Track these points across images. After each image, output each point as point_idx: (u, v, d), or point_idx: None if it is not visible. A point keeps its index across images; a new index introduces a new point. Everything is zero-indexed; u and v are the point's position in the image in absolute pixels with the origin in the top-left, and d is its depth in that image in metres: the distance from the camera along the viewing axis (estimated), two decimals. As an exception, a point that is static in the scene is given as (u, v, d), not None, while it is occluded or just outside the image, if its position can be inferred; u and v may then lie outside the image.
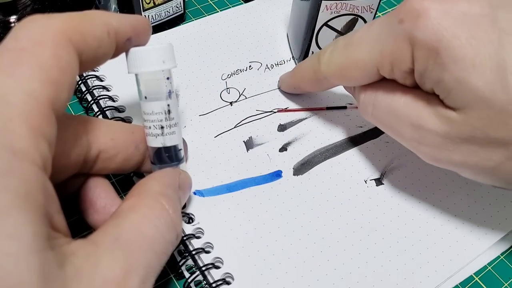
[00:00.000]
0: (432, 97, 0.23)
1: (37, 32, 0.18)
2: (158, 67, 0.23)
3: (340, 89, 0.36)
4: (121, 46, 0.22)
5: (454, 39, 0.20)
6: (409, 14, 0.22)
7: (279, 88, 0.35)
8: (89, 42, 0.19)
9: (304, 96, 0.35)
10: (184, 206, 0.28)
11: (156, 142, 0.24)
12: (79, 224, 0.25)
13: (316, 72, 0.29)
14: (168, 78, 0.24)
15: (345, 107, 0.35)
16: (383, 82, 0.26)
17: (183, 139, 0.27)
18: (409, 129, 0.24)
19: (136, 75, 0.24)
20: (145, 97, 0.24)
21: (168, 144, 0.25)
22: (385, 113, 0.25)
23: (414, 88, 0.24)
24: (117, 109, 0.32)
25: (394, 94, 0.25)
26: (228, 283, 0.25)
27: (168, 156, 0.25)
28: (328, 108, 0.35)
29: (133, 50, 0.23)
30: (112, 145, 0.24)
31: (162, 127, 0.24)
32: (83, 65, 0.19)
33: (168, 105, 0.24)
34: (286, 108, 0.34)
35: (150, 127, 0.24)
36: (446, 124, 0.22)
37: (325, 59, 0.28)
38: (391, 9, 0.46)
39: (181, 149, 0.26)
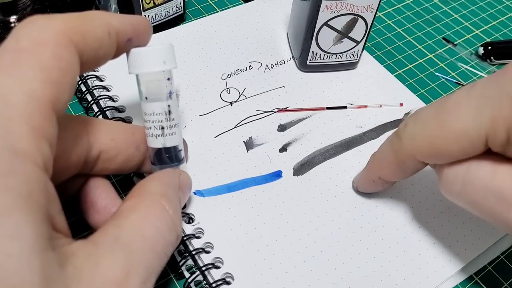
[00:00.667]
0: None
1: (38, 32, 0.18)
2: (159, 67, 0.23)
3: (340, 89, 0.36)
4: (122, 47, 0.22)
5: None
6: None
7: (356, 190, 0.30)
8: (89, 43, 0.19)
9: (304, 96, 0.35)
10: (184, 206, 0.28)
11: (156, 142, 0.24)
12: (80, 224, 0.25)
13: (398, 152, 0.24)
14: (168, 79, 0.24)
15: (345, 107, 0.35)
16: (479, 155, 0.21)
17: (183, 139, 0.27)
18: None
19: (136, 75, 0.24)
20: (146, 98, 0.24)
21: (169, 144, 0.25)
22: (481, 193, 0.20)
23: None
24: (117, 109, 0.32)
25: (496, 171, 0.20)
26: (228, 283, 0.25)
27: (168, 157, 0.25)
28: (328, 108, 0.35)
29: (133, 51, 0.23)
30: (113, 146, 0.24)
31: (162, 128, 0.24)
32: (83, 65, 0.19)
33: (169, 105, 0.24)
34: (286, 108, 0.34)
35: (150, 128, 0.24)
36: None
37: (408, 132, 0.23)
38: (391, 9, 0.46)
39: (181, 150, 0.26)
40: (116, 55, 0.22)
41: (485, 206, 0.20)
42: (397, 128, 0.24)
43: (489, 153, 0.20)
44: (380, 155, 0.26)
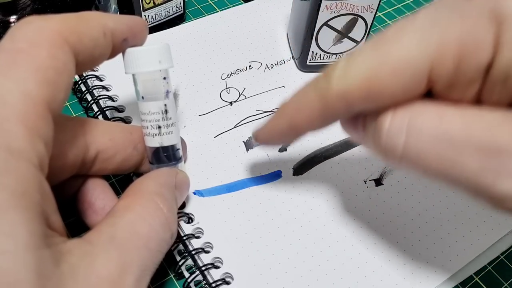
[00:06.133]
0: (507, 108, 0.16)
1: (34, 33, 0.18)
2: (155, 67, 0.23)
3: (340, 89, 0.36)
4: (118, 47, 0.22)
5: None
6: None
7: (254, 142, 0.25)
8: (85, 43, 0.19)
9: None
10: (184, 206, 0.28)
11: (153, 142, 0.24)
12: (78, 225, 0.25)
13: (324, 94, 0.19)
14: (165, 78, 0.24)
15: (345, 107, 0.35)
16: (418, 101, 0.18)
17: (182, 139, 0.27)
18: (476, 157, 0.16)
19: (133, 75, 0.24)
20: (142, 97, 0.24)
21: (166, 144, 0.25)
22: (429, 142, 0.17)
23: (473, 104, 0.17)
24: (117, 109, 0.32)
25: (443, 113, 0.17)
26: (227, 283, 0.25)
27: (166, 156, 0.25)
28: (328, 108, 0.34)
29: (129, 51, 0.23)
30: (110, 146, 0.24)
31: (159, 127, 0.24)
32: (79, 66, 0.20)
33: (165, 105, 0.24)
34: (286, 108, 0.34)
35: (147, 127, 0.24)
36: None
37: (339, 70, 0.19)
38: (391, 9, 0.46)
39: (179, 149, 0.26)
40: (112, 55, 0.22)
41: (436, 156, 0.17)
42: (322, 72, 0.20)
43: (429, 99, 0.18)
44: (299, 99, 0.21)
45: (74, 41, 0.19)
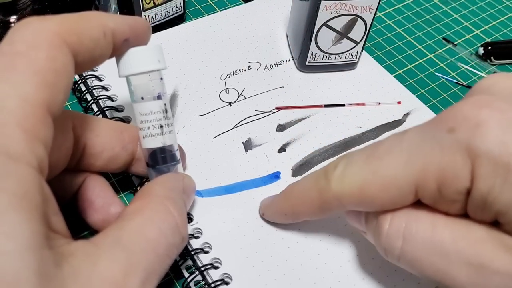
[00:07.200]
0: (490, 226, 0.19)
1: (32, 34, 0.18)
2: (154, 66, 0.23)
3: (339, 90, 0.36)
4: (119, 47, 0.22)
5: None
6: (463, 122, 0.18)
7: (261, 216, 0.28)
8: (84, 44, 0.19)
9: (303, 96, 0.35)
10: (186, 208, 0.28)
11: (156, 142, 0.24)
12: (78, 225, 0.25)
13: (323, 192, 0.22)
14: (161, 79, 0.24)
15: (343, 105, 0.35)
16: (414, 207, 0.20)
17: (181, 148, 0.27)
18: (466, 270, 0.18)
19: (127, 78, 0.24)
20: (142, 98, 0.24)
21: (168, 143, 0.25)
22: (423, 249, 0.19)
23: (460, 216, 0.19)
24: (116, 109, 0.32)
25: (435, 224, 0.19)
26: (226, 283, 0.25)
27: (164, 157, 0.25)
28: (326, 106, 0.35)
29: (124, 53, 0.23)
30: (98, 142, 0.24)
31: (161, 126, 0.24)
32: (79, 66, 0.20)
33: (165, 104, 0.24)
34: (285, 107, 0.34)
35: (148, 128, 0.24)
36: None
37: (337, 175, 0.22)
38: (391, 9, 0.46)
39: (177, 150, 0.26)
40: (112, 55, 0.22)
41: (430, 264, 0.19)
42: (325, 166, 0.23)
43: (423, 205, 0.20)
44: (302, 191, 0.25)
45: (73, 42, 0.19)
